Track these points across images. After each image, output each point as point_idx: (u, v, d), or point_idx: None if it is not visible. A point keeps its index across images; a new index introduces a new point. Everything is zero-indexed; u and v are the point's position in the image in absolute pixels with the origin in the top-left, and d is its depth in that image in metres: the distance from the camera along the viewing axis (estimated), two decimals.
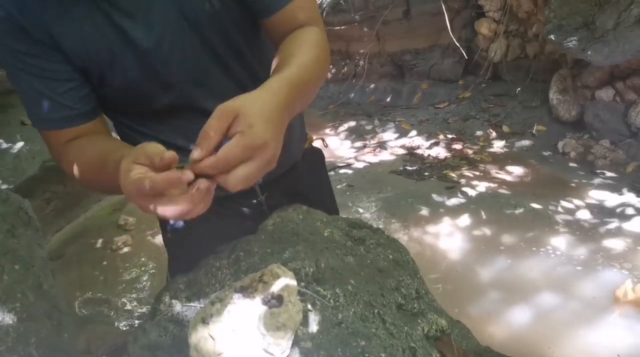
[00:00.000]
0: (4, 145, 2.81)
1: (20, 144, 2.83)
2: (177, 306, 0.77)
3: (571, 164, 3.20)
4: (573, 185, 2.96)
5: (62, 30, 0.79)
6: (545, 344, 1.88)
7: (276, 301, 0.64)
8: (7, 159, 2.74)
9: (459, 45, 4.00)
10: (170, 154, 0.60)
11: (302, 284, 0.75)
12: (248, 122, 0.61)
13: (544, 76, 3.79)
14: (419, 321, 0.83)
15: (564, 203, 2.76)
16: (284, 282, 0.66)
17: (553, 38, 3.13)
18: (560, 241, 2.44)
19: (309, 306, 0.72)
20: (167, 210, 0.60)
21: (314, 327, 0.69)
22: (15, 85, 0.85)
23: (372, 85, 4.84)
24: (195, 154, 0.59)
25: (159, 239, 2.78)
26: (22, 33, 0.78)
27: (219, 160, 0.59)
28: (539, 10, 3.66)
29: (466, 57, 4.19)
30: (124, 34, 0.82)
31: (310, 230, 0.90)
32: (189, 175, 0.58)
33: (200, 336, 0.61)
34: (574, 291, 2.11)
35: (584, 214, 2.65)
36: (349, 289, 0.77)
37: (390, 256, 0.93)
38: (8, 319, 1.07)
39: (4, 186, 2.48)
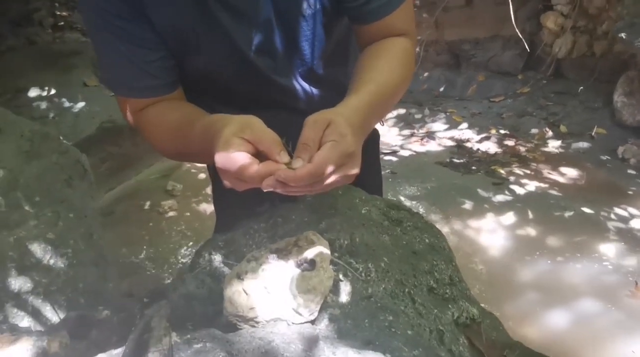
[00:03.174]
0: (66, 104, 2.95)
1: (81, 104, 2.97)
2: (215, 262, 0.80)
3: (630, 171, 3.04)
4: (630, 193, 2.81)
5: (153, 3, 0.80)
6: (582, 350, 1.82)
7: (309, 265, 0.66)
8: (68, 118, 2.89)
9: (522, 37, 3.83)
10: (287, 158, 0.64)
11: (336, 254, 0.76)
12: (340, 131, 0.65)
13: (610, 77, 3.59)
14: (450, 306, 0.83)
15: (617, 210, 2.63)
16: (318, 248, 0.68)
17: (624, 36, 2.96)
18: (609, 249, 2.34)
19: (341, 276, 0.73)
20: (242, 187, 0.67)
21: (343, 297, 0.70)
22: (100, 50, 0.86)
23: (426, 74, 4.74)
24: (298, 164, 0.63)
25: (203, 207, 2.87)
26: None
27: (318, 169, 0.63)
28: (610, 6, 3.46)
29: (528, 51, 4.01)
30: (217, 22, 0.83)
31: (348, 206, 0.91)
32: (286, 178, 0.62)
33: (235, 289, 0.64)
34: (619, 301, 2.03)
35: (638, 224, 2.52)
36: (382, 266, 0.77)
37: (427, 240, 0.93)
38: (60, 263, 1.14)
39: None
